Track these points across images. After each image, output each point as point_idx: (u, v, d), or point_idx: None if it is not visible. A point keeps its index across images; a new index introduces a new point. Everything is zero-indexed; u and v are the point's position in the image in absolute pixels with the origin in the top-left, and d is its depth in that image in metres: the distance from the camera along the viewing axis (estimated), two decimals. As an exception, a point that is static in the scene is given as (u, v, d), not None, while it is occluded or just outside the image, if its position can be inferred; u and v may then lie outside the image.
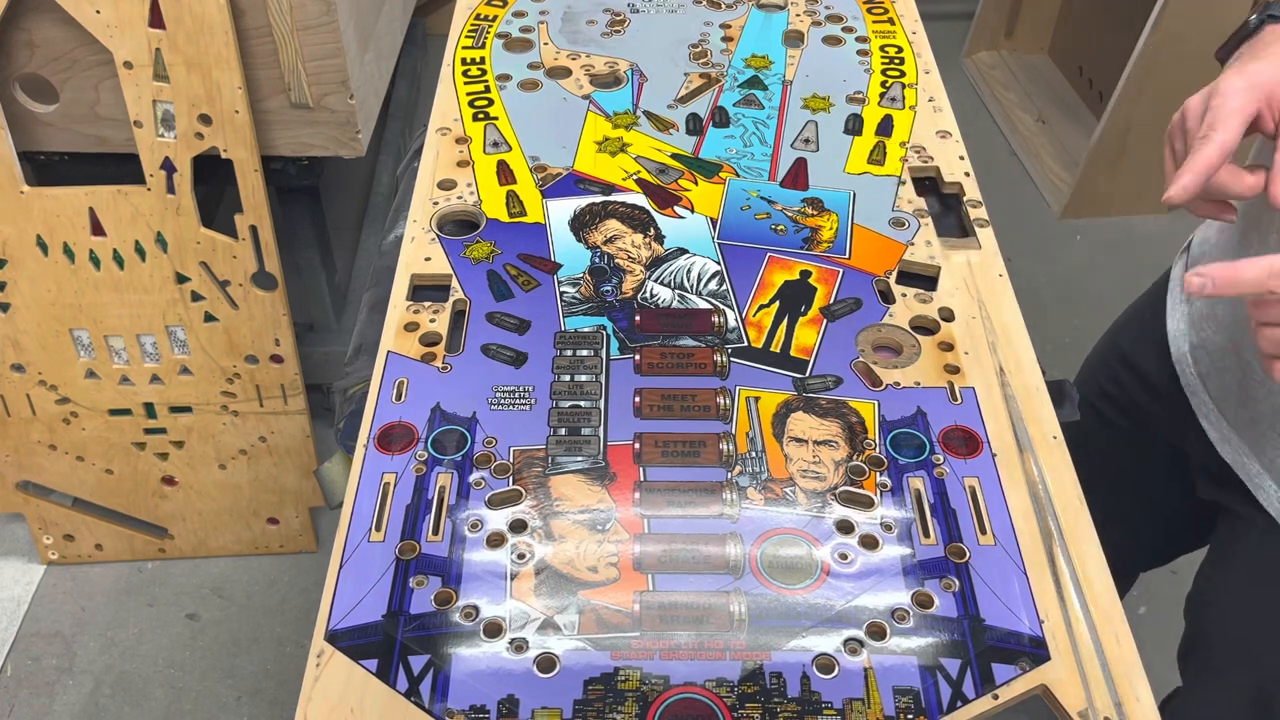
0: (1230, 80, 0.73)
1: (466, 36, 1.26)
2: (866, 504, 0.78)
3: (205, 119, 1.33)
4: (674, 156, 1.09)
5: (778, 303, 0.93)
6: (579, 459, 0.80)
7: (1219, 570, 0.97)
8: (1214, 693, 0.96)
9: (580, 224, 1.01)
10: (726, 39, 1.27)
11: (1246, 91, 0.72)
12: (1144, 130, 2.31)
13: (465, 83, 1.18)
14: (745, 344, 0.90)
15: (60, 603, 1.72)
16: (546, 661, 0.68)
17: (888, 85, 1.20)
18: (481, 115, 1.14)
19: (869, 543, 0.75)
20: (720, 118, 1.14)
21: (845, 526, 0.76)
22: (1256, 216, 0.85)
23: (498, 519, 0.76)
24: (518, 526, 0.76)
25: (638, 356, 0.88)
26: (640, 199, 1.04)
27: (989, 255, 0.99)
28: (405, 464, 0.80)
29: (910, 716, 0.66)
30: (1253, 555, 0.92)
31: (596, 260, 0.97)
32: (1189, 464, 1.00)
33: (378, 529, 0.76)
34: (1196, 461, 0.97)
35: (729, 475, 0.79)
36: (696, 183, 1.06)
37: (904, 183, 1.07)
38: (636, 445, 0.81)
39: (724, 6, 1.33)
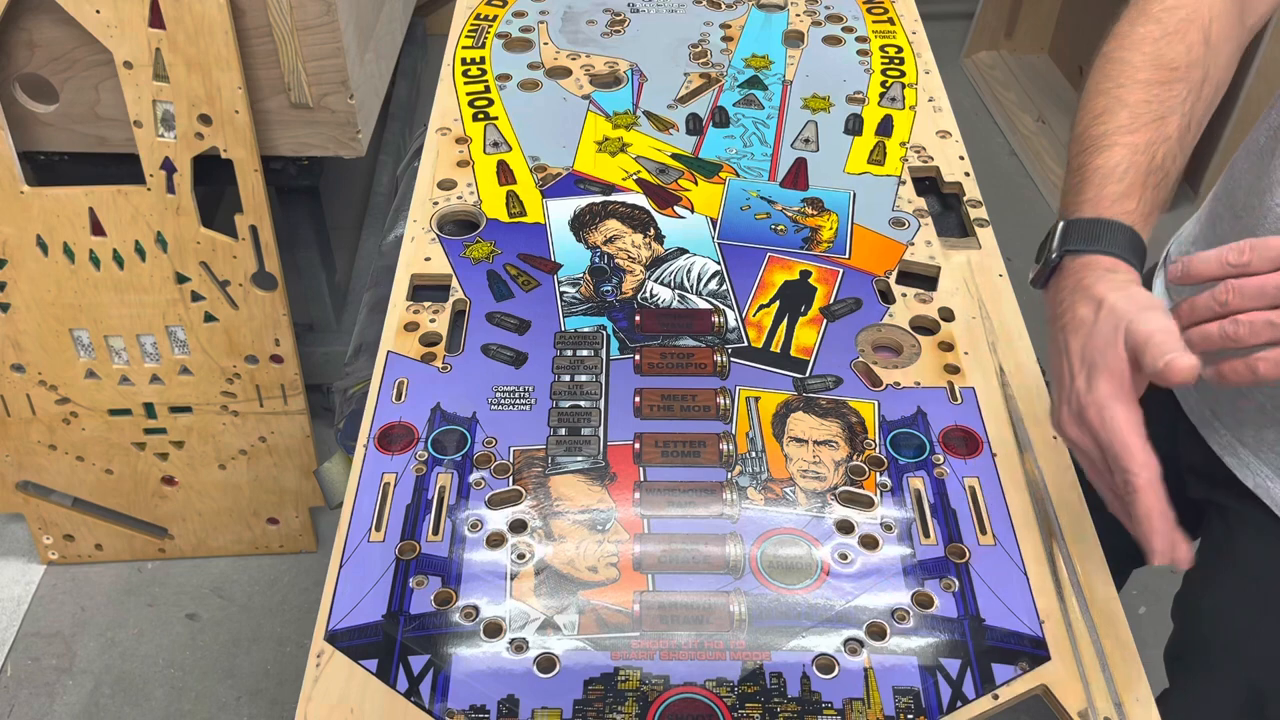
0: (1103, 396, 0.65)
1: (466, 36, 1.26)
2: (866, 504, 0.78)
3: (205, 119, 1.33)
4: (674, 156, 1.09)
5: (778, 303, 0.93)
6: (579, 459, 0.80)
7: (1211, 568, 0.97)
8: (1207, 691, 0.96)
9: (580, 224, 1.01)
10: (726, 39, 1.27)
11: (1124, 403, 0.65)
12: (1144, 130, 2.30)
13: (465, 83, 1.18)
14: (745, 344, 0.90)
15: (60, 603, 1.72)
16: (546, 661, 0.68)
17: (888, 85, 1.20)
18: (481, 115, 1.14)
19: (869, 543, 0.75)
20: (720, 118, 1.14)
21: (845, 526, 0.76)
22: (1235, 221, 0.85)
23: (498, 519, 0.76)
24: (518, 526, 0.76)
25: (638, 356, 0.88)
26: (640, 199, 1.04)
27: (989, 255, 0.99)
28: (405, 464, 0.80)
29: (910, 716, 0.66)
30: (1246, 552, 0.92)
31: (596, 260, 0.97)
32: (1179, 463, 1.00)
33: (378, 529, 0.76)
34: (1186, 461, 0.97)
35: (729, 475, 0.79)
36: (696, 183, 1.06)
37: (904, 183, 1.07)
38: (636, 445, 0.81)
39: (724, 6, 1.33)
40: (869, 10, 1.32)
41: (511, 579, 0.73)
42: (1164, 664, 1.01)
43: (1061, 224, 0.73)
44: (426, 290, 0.95)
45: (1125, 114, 0.74)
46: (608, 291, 0.94)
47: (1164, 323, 0.64)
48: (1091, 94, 0.77)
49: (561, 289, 0.94)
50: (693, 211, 1.03)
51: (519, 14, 1.30)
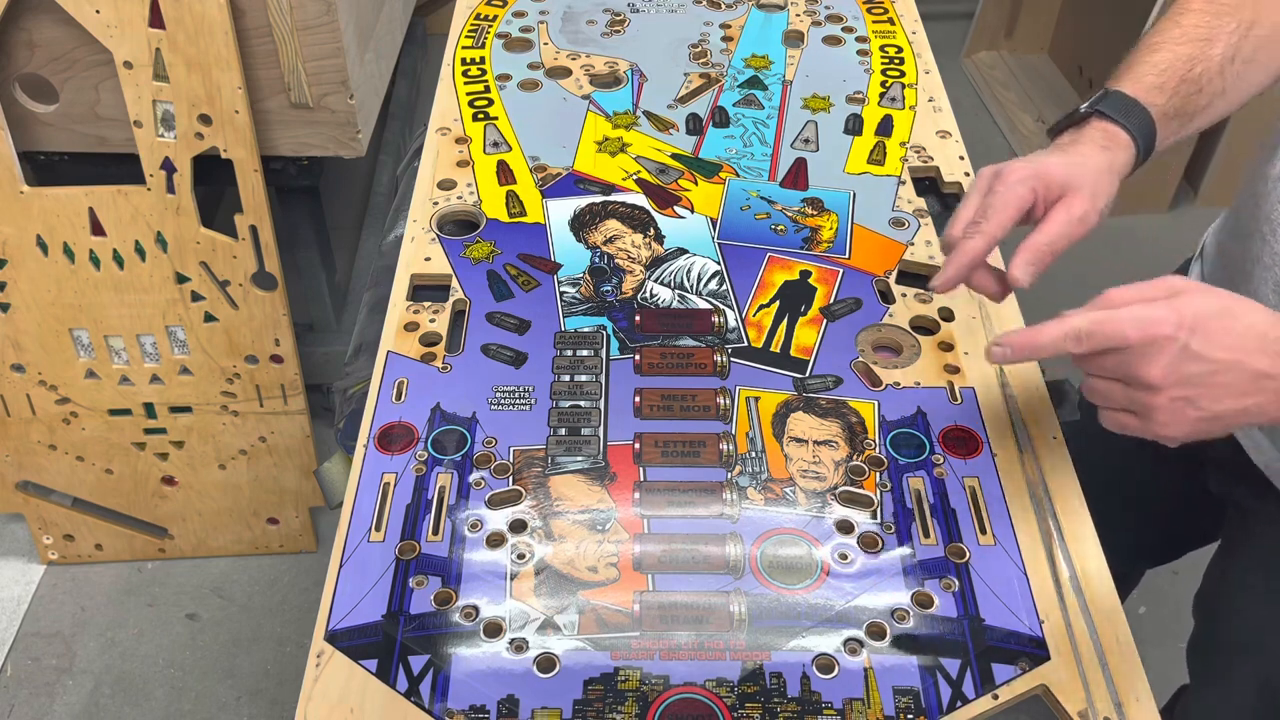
0: (1016, 168, 0.77)
1: (466, 36, 1.26)
2: (866, 504, 0.78)
3: (205, 119, 1.33)
4: (674, 156, 1.09)
5: (778, 303, 0.93)
6: (579, 459, 0.80)
7: (1232, 564, 0.97)
8: (1225, 687, 0.96)
9: (580, 224, 1.01)
10: (726, 39, 1.27)
11: (1026, 181, 0.76)
12: (1144, 130, 2.30)
13: (465, 83, 1.18)
14: (745, 344, 0.90)
15: (60, 603, 1.72)
16: (546, 661, 0.68)
17: (888, 85, 1.20)
18: (481, 115, 1.14)
19: (869, 543, 0.75)
20: (720, 118, 1.14)
21: (845, 526, 0.76)
22: (1251, 220, 0.85)
23: (498, 519, 0.76)
24: (518, 526, 0.76)
25: (638, 356, 0.88)
26: (640, 199, 1.04)
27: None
28: (405, 464, 0.80)
29: (910, 716, 0.66)
30: (1268, 549, 0.92)
31: (596, 260, 0.97)
32: (1200, 458, 0.99)
33: (378, 529, 0.76)
34: (1208, 456, 0.96)
35: (729, 475, 0.79)
36: (696, 183, 1.06)
37: (904, 183, 1.07)
38: (636, 445, 0.81)
39: (724, 6, 1.33)
40: (869, 10, 1.32)
41: (511, 579, 0.73)
42: (1183, 660, 1.01)
43: (1102, 90, 0.82)
44: (426, 290, 0.95)
45: (1177, 31, 0.83)
46: (608, 291, 0.94)
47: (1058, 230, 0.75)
48: (1156, 21, 0.87)
49: (561, 289, 0.94)
50: (693, 211, 1.03)
51: (519, 14, 1.30)
